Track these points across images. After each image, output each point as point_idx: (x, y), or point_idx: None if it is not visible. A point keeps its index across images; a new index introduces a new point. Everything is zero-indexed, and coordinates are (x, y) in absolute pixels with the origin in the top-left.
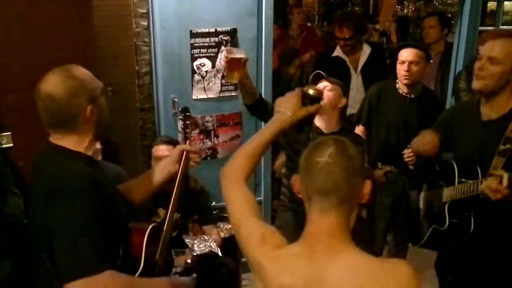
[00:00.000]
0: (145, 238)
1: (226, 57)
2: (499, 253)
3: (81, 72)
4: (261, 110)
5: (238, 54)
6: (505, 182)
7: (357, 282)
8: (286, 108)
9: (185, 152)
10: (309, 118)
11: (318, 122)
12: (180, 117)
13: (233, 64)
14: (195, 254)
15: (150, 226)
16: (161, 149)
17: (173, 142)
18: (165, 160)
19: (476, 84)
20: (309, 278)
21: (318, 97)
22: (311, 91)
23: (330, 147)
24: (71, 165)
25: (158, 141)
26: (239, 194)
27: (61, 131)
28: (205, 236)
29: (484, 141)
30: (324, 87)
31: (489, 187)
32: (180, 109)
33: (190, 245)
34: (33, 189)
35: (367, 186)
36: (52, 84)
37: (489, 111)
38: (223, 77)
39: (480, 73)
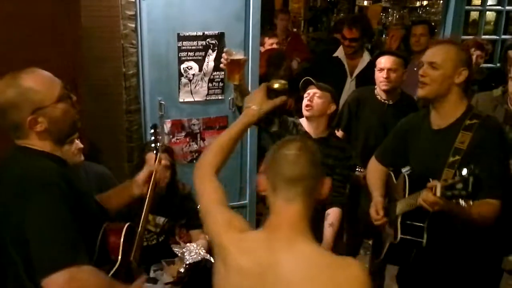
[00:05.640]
0: (122, 237)
1: (226, 59)
2: (454, 268)
3: (32, 78)
4: None
5: (238, 55)
6: (438, 192)
7: (307, 273)
8: (252, 103)
9: (154, 172)
10: (277, 110)
11: (307, 127)
12: (151, 132)
13: (233, 65)
14: (187, 263)
15: (126, 225)
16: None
17: (167, 150)
18: (134, 180)
19: (420, 92)
20: (264, 263)
21: (283, 89)
22: (276, 85)
23: (296, 142)
24: (39, 162)
25: (152, 148)
26: (208, 185)
27: (17, 136)
28: (193, 244)
29: (435, 151)
30: (314, 93)
31: (425, 201)
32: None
33: (180, 254)
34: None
35: (327, 183)
36: None
37: (438, 120)
38: (210, 80)
39: (423, 79)
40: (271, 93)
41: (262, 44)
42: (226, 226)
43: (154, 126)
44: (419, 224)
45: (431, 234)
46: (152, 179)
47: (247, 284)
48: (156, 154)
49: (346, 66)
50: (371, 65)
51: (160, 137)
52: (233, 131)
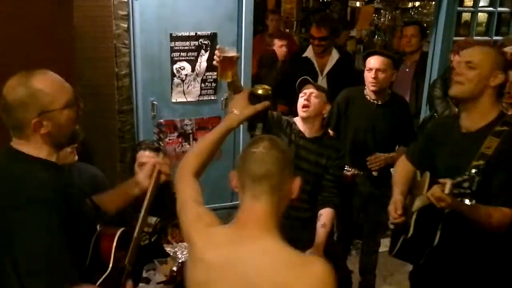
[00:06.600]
0: (114, 243)
1: (219, 57)
2: (468, 273)
3: (43, 81)
4: None
5: (230, 52)
6: (446, 189)
7: (270, 269)
8: (234, 107)
9: (156, 165)
10: (260, 115)
11: (301, 126)
12: (155, 131)
13: (225, 63)
14: (180, 261)
15: (120, 231)
16: (146, 155)
17: (158, 150)
18: (138, 175)
19: (453, 90)
20: (228, 258)
21: (266, 95)
22: (259, 91)
23: (264, 141)
24: (34, 174)
25: (143, 147)
26: (185, 184)
27: (17, 135)
28: (184, 243)
29: (461, 153)
30: (310, 93)
31: (432, 195)
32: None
33: (172, 254)
34: None
35: (297, 181)
36: (8, 87)
37: (468, 123)
38: (202, 80)
39: (458, 78)
40: (253, 99)
41: (271, 45)
42: (195, 219)
43: (159, 126)
44: (433, 223)
45: (445, 235)
46: (152, 180)
47: (211, 277)
48: (159, 149)
49: (316, 65)
50: (340, 62)
51: (163, 137)
52: (214, 135)
